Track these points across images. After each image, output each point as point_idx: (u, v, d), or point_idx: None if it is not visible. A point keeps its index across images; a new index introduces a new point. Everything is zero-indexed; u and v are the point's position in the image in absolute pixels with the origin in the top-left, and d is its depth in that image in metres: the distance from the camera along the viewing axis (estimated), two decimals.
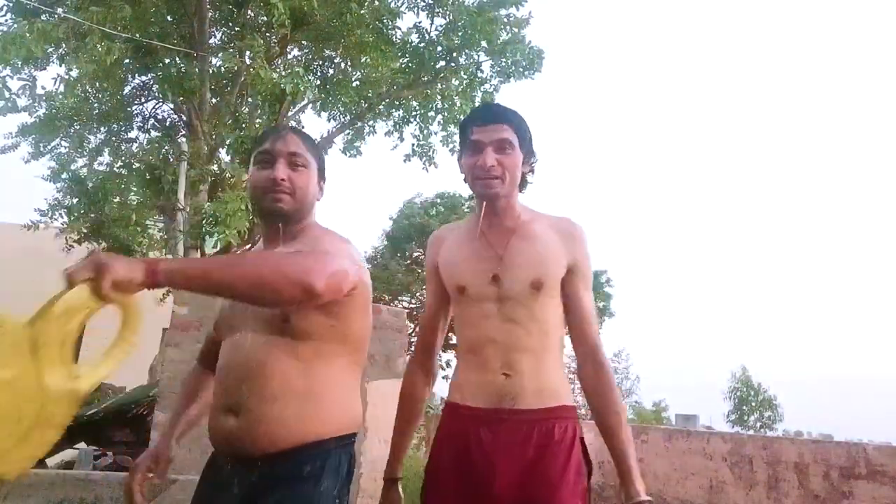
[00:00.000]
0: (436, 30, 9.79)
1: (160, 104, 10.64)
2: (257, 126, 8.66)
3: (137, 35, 8.16)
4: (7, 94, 8.15)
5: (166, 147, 9.28)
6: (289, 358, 1.30)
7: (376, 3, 9.24)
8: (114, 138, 11.07)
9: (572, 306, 1.61)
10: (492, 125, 1.57)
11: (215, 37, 10.07)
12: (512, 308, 1.58)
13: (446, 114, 10.31)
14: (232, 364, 1.35)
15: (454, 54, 9.67)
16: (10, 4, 7.41)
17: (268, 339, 1.32)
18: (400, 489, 1.69)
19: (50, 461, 4.87)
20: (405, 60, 9.89)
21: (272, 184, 1.38)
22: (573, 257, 1.60)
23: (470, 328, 1.63)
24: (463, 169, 1.65)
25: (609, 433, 1.54)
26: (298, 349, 1.30)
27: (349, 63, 10.15)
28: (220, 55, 8.72)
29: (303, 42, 10.27)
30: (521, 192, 1.68)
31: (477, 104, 10.29)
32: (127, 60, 8.83)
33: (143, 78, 10.10)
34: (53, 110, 10.13)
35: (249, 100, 10.09)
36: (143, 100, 10.70)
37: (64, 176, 10.66)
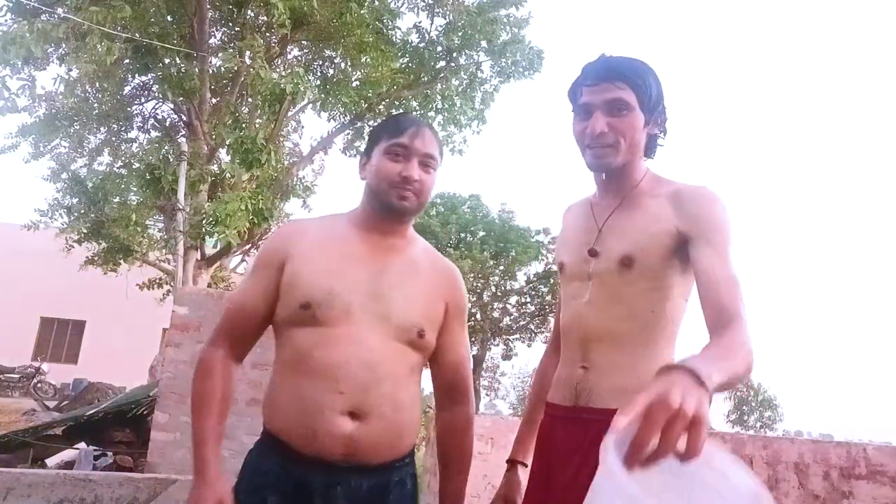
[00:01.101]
0: (436, 30, 9.81)
1: (160, 104, 10.65)
2: (257, 126, 8.66)
3: (137, 35, 8.16)
4: (7, 94, 8.14)
5: (166, 147, 9.28)
6: (411, 368, 1.34)
7: (376, 3, 9.25)
8: (114, 138, 11.07)
9: (698, 279, 1.23)
10: (604, 83, 1.31)
11: (215, 37, 10.08)
12: (597, 289, 1.35)
13: (446, 114, 10.32)
14: (358, 362, 1.25)
15: (454, 54, 9.68)
16: (10, 4, 7.41)
17: (398, 347, 1.31)
18: (519, 473, 1.55)
19: (50, 461, 4.87)
20: (405, 60, 9.90)
21: (404, 181, 1.32)
22: (689, 222, 1.27)
23: (562, 312, 1.45)
24: (574, 136, 1.40)
25: None
26: (415, 361, 1.35)
27: (349, 63, 10.15)
28: (220, 55, 8.73)
29: (303, 42, 10.27)
30: (649, 157, 1.41)
31: (477, 104, 10.31)
32: (127, 60, 8.83)
33: (143, 78, 10.11)
34: (53, 110, 10.14)
35: (249, 100, 10.10)
36: (143, 100, 10.71)
37: (64, 176, 10.67)
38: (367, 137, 1.61)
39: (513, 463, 1.56)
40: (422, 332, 1.33)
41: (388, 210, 1.35)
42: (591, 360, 1.34)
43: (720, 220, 1.26)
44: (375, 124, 1.69)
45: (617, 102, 1.30)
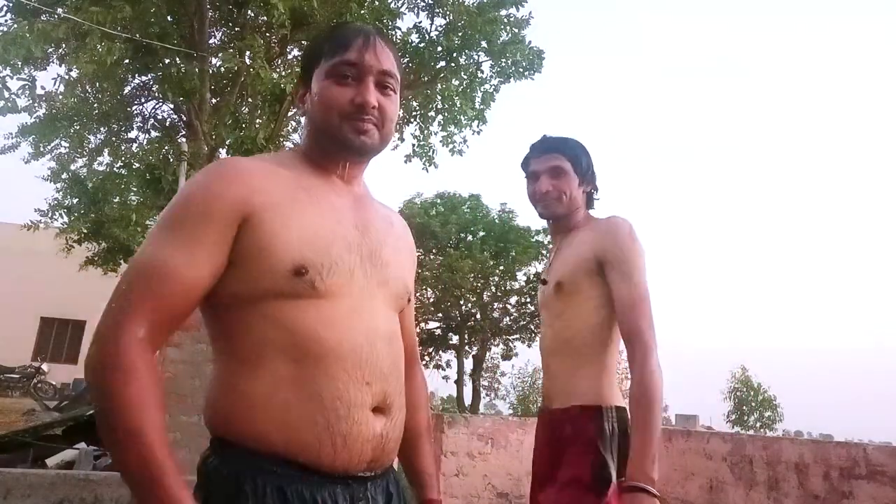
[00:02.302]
0: (436, 30, 9.81)
1: (160, 104, 10.64)
2: (257, 126, 8.67)
3: (137, 35, 8.16)
4: (7, 94, 8.14)
5: (166, 147, 9.28)
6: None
7: (376, 3, 9.25)
8: (114, 138, 11.06)
9: (614, 301, 1.57)
10: (546, 155, 1.76)
11: (215, 37, 10.07)
12: (546, 311, 1.75)
13: (446, 114, 10.32)
14: (378, 342, 1.00)
15: (454, 54, 9.68)
16: (10, 4, 7.41)
17: (394, 318, 1.09)
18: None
19: (50, 461, 4.86)
20: (405, 60, 9.89)
21: (359, 110, 1.03)
22: (601, 249, 1.60)
23: None
24: (528, 196, 1.83)
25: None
26: None
27: None
28: (220, 55, 8.73)
29: (303, 42, 10.26)
30: (590, 208, 1.83)
31: (477, 104, 10.31)
32: (127, 60, 8.82)
33: (143, 78, 10.10)
34: (53, 110, 10.13)
35: (249, 100, 10.10)
36: (143, 100, 10.71)
37: (64, 176, 10.67)
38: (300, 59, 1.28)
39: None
40: (410, 297, 1.14)
41: (343, 150, 1.06)
42: (551, 371, 1.70)
43: (626, 246, 1.59)
44: (312, 40, 1.25)
45: (556, 169, 1.73)
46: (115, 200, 10.05)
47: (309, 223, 0.97)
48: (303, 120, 1.11)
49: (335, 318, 0.96)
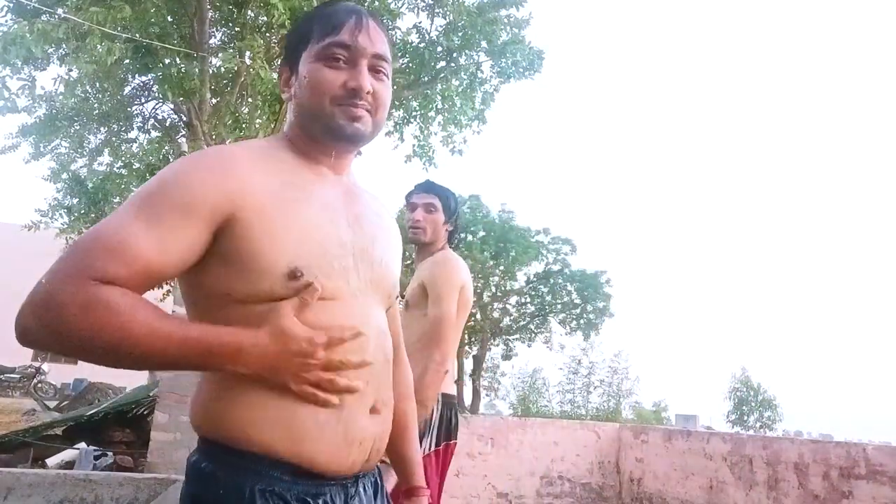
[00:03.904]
0: (436, 30, 9.80)
1: (160, 104, 10.63)
2: (257, 126, 8.67)
3: (137, 35, 8.16)
4: (7, 94, 8.14)
5: (166, 147, 9.27)
6: None
7: (376, 3, 9.24)
8: (114, 138, 11.06)
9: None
10: (424, 193, 2.35)
11: (215, 37, 10.07)
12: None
13: (446, 114, 10.32)
14: (372, 341, 0.98)
15: (454, 55, 9.67)
16: (11, 4, 7.41)
17: (384, 315, 1.06)
18: None
19: (50, 461, 4.87)
20: (405, 61, 9.89)
21: (352, 94, 0.97)
22: (423, 279, 2.24)
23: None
24: (404, 222, 2.34)
25: None
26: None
27: None
28: (220, 55, 8.72)
29: None
30: (450, 244, 2.42)
31: (477, 104, 10.31)
32: (127, 60, 8.82)
33: (143, 78, 10.10)
34: (53, 110, 10.12)
35: (249, 100, 10.09)
36: (143, 100, 10.70)
37: (64, 176, 10.66)
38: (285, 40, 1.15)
39: None
40: (399, 296, 1.13)
41: (335, 137, 1.00)
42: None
43: (437, 275, 2.23)
44: (299, 20, 1.11)
45: (430, 206, 2.32)
46: (116, 200, 10.03)
47: (302, 223, 0.93)
48: (289, 106, 1.05)
49: (331, 319, 0.93)
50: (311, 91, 0.98)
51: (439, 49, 9.65)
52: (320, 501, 0.90)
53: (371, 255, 1.01)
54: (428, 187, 2.35)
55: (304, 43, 1.01)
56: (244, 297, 0.90)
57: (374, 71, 1.01)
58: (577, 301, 16.36)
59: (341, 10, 1.00)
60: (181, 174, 0.90)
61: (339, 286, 0.94)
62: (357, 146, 1.05)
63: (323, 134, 1.00)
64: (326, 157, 1.03)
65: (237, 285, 0.90)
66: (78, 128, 10.57)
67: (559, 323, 16.86)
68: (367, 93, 0.98)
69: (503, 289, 17.14)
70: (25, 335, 0.79)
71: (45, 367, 13.60)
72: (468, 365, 17.96)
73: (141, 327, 0.79)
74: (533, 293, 16.90)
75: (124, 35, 7.74)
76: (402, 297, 2.22)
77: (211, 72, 9.27)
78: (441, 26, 9.77)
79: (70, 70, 8.75)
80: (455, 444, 2.31)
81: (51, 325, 0.77)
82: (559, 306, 16.66)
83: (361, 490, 0.98)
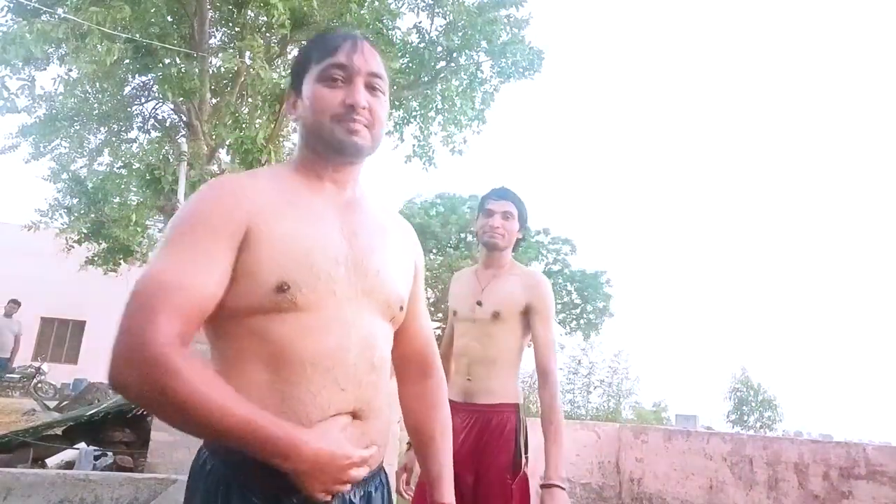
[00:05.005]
0: (436, 30, 9.81)
1: (160, 104, 10.64)
2: (257, 126, 8.66)
3: (137, 35, 8.16)
4: (7, 94, 8.14)
5: (166, 147, 9.28)
6: (391, 349, 1.15)
7: (376, 3, 9.24)
8: (114, 138, 11.07)
9: (532, 337, 2.23)
10: (502, 200, 2.32)
11: (215, 37, 10.08)
12: (475, 328, 2.25)
13: (446, 114, 10.32)
14: (354, 349, 1.02)
15: (454, 54, 9.68)
16: (11, 4, 7.42)
17: (383, 325, 1.10)
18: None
19: (50, 461, 4.87)
20: (405, 61, 9.89)
21: (349, 110, 1.05)
22: (530, 299, 2.22)
23: (455, 342, 2.34)
24: (476, 226, 2.39)
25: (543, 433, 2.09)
26: (391, 341, 1.15)
27: None
28: (220, 55, 8.72)
29: (303, 42, 10.25)
30: (515, 251, 2.40)
31: (477, 104, 10.32)
32: (127, 60, 8.83)
33: (143, 78, 10.11)
34: (53, 110, 10.13)
35: (249, 100, 10.09)
36: (143, 100, 10.71)
37: (64, 176, 10.66)
38: (290, 69, 1.31)
39: (409, 444, 2.08)
40: (403, 305, 1.14)
41: (336, 152, 1.07)
42: (473, 374, 2.22)
43: (547, 298, 2.23)
44: (301, 47, 1.32)
45: (508, 213, 2.30)
46: (115, 200, 10.04)
47: (291, 238, 0.98)
48: (297, 127, 1.13)
49: (314, 328, 0.98)
50: (313, 110, 1.06)
51: (439, 49, 9.66)
52: (294, 500, 0.95)
53: (366, 266, 1.06)
54: (503, 194, 2.33)
55: (307, 67, 1.10)
56: (237, 311, 0.96)
57: (370, 88, 1.08)
58: (577, 301, 16.37)
59: (338, 36, 1.10)
60: (206, 204, 0.98)
61: (324, 295, 0.99)
62: (357, 159, 1.10)
63: (325, 149, 1.07)
64: (328, 171, 1.09)
65: (233, 300, 0.96)
66: (78, 128, 10.58)
67: (559, 323, 16.88)
68: (364, 108, 1.05)
69: None
70: (124, 391, 0.87)
71: (45, 367, 13.59)
72: None
73: (216, 402, 0.86)
74: None
75: (124, 35, 7.74)
76: (479, 303, 2.30)
77: (211, 72, 9.28)
78: (441, 26, 9.78)
79: (70, 70, 8.76)
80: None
81: (151, 388, 0.85)
82: (559, 306, 16.68)
83: (346, 499, 1.01)
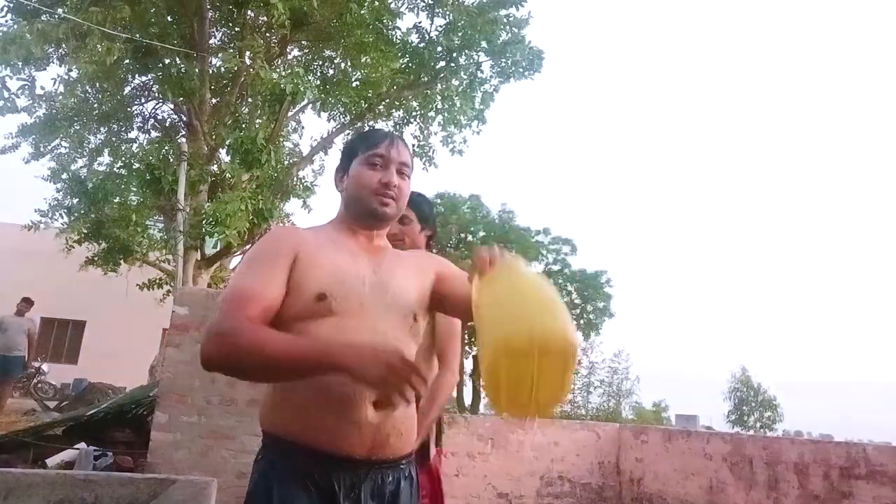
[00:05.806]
0: (436, 30, 9.80)
1: (160, 104, 10.64)
2: (257, 126, 8.66)
3: (137, 35, 8.17)
4: (7, 94, 8.14)
5: (166, 147, 9.26)
6: (412, 356, 1.38)
7: (376, 3, 9.24)
8: (114, 138, 11.06)
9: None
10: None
11: (215, 37, 10.07)
12: None
13: (446, 114, 10.31)
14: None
15: (454, 54, 9.67)
16: (10, 5, 7.41)
17: (403, 335, 1.37)
18: None
19: (50, 461, 4.86)
20: (405, 61, 9.88)
21: (384, 187, 1.41)
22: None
23: None
24: None
25: None
26: (414, 349, 1.41)
27: (349, 63, 10.15)
28: (220, 55, 8.73)
29: (303, 42, 10.27)
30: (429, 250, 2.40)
31: (477, 104, 10.32)
32: (127, 61, 8.83)
33: (143, 78, 10.10)
34: (53, 110, 10.12)
35: (249, 100, 10.09)
36: (143, 100, 10.71)
37: (64, 176, 10.65)
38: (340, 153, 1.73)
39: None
40: (416, 316, 1.40)
41: (370, 216, 1.42)
42: None
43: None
44: (350, 138, 1.87)
45: (403, 218, 2.08)
46: (115, 200, 10.02)
47: (329, 262, 1.33)
48: (340, 196, 1.50)
49: (347, 328, 1.27)
50: (357, 184, 1.42)
51: (439, 49, 9.65)
52: (322, 481, 1.23)
53: (386, 286, 1.37)
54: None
55: (355, 154, 1.46)
56: (287, 318, 1.27)
57: (400, 173, 1.43)
58: (578, 301, 16.34)
59: (379, 133, 1.49)
60: (273, 238, 1.38)
61: (354, 307, 1.31)
62: (386, 223, 1.48)
63: (362, 214, 1.43)
64: (363, 229, 1.45)
65: (284, 310, 1.27)
66: (78, 128, 10.57)
67: None
68: (394, 186, 1.41)
69: None
70: (209, 363, 1.18)
71: (45, 367, 13.57)
72: (468, 365, 17.96)
73: (277, 341, 1.19)
74: None
75: (124, 35, 7.75)
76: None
77: (211, 72, 9.28)
78: (441, 26, 9.77)
79: (70, 70, 8.77)
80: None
81: (227, 350, 1.17)
82: None
83: (376, 479, 1.28)
